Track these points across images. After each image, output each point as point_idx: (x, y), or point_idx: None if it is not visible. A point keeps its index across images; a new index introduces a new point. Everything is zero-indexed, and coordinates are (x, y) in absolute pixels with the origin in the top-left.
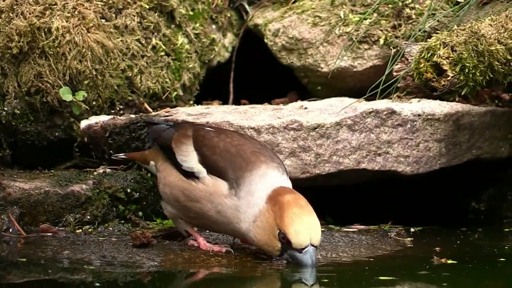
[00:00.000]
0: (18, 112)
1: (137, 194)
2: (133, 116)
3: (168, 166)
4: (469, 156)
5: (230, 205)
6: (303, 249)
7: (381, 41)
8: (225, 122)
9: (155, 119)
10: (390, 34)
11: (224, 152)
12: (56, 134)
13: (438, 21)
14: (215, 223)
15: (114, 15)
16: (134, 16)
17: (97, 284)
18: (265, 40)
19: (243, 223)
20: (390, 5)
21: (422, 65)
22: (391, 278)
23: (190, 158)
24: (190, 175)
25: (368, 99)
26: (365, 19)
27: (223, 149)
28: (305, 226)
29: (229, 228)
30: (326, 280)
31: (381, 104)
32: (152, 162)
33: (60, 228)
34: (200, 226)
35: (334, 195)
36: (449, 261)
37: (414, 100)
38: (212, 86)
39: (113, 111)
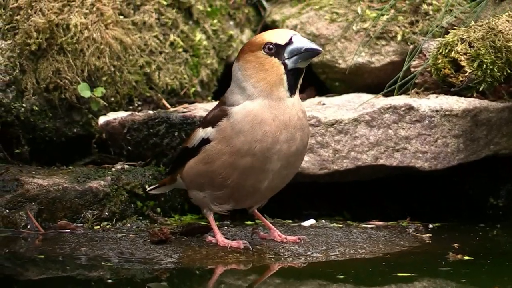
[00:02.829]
0: (37, 108)
1: None
2: (151, 112)
3: (187, 163)
4: (487, 152)
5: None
6: (290, 41)
7: (399, 37)
8: None
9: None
10: (407, 30)
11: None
12: (74, 130)
13: (455, 17)
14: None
15: (132, 12)
16: (152, 12)
17: (110, 281)
18: None
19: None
20: (407, 1)
21: (439, 61)
22: (409, 274)
23: (197, 134)
24: (202, 144)
25: (386, 95)
26: (382, 15)
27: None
28: (272, 31)
29: None
30: (343, 276)
31: (399, 100)
32: (178, 176)
33: (78, 225)
34: (232, 195)
35: (352, 191)
36: (466, 257)
37: (432, 96)
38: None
39: (131, 107)
